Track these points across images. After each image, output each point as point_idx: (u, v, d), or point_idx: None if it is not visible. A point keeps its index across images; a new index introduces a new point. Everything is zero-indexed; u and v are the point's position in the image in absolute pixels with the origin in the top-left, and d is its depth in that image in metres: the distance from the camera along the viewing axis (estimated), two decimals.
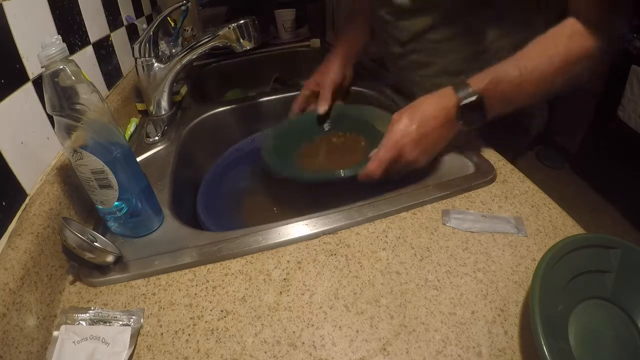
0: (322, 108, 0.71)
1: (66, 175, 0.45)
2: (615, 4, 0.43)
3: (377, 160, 0.48)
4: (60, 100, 0.35)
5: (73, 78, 0.35)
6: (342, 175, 0.50)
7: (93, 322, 0.35)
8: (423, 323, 0.33)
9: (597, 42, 0.43)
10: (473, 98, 0.47)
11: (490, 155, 0.54)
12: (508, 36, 0.48)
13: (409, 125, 0.48)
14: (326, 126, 0.72)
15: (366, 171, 0.48)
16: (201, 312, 0.36)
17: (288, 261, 0.40)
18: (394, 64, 0.74)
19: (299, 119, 0.72)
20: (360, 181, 0.49)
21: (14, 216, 0.38)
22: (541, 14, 0.49)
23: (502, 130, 0.57)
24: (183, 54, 0.65)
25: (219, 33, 0.62)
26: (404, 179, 0.51)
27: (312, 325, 0.34)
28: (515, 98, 0.48)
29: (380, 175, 0.48)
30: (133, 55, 0.64)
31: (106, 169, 0.38)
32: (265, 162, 0.59)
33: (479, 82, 0.47)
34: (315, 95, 0.73)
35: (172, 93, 0.71)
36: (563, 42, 0.45)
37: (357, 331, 0.33)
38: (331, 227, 0.43)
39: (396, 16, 0.62)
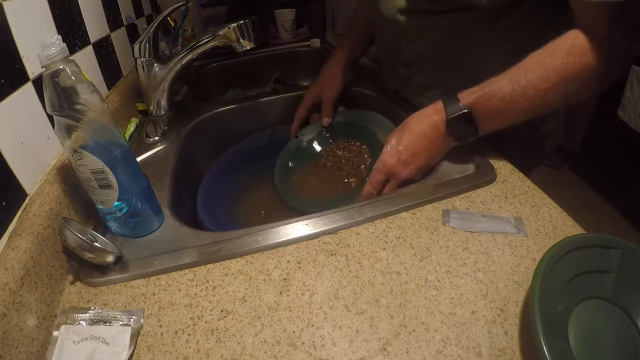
0: (326, 121, 0.73)
1: (66, 175, 0.45)
2: (626, 24, 0.39)
3: (369, 183, 0.52)
4: (60, 100, 0.35)
5: (73, 78, 0.35)
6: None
7: (93, 322, 0.35)
8: (423, 323, 0.33)
9: (599, 59, 0.40)
10: (461, 112, 0.47)
11: (490, 155, 0.54)
12: (515, 56, 0.46)
13: (396, 146, 0.50)
14: (331, 136, 0.74)
15: (363, 194, 0.53)
16: (201, 312, 0.36)
17: (288, 261, 0.40)
18: (400, 86, 0.73)
19: (305, 133, 0.74)
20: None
21: (14, 216, 0.38)
22: (548, 35, 0.45)
23: (518, 147, 0.57)
24: (183, 54, 0.65)
25: (219, 33, 0.62)
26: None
27: (312, 325, 0.34)
28: (508, 114, 0.46)
29: (377, 195, 0.51)
30: (133, 55, 0.64)
31: (106, 169, 0.38)
32: (279, 192, 0.65)
33: (468, 96, 0.47)
34: (316, 105, 0.74)
35: (172, 93, 0.71)
36: (560, 56, 0.42)
37: (357, 331, 0.33)
38: (331, 227, 0.43)
39: (400, 36, 0.61)
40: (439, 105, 0.49)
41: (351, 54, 0.75)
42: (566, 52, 0.42)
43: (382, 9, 0.60)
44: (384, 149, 0.51)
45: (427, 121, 0.49)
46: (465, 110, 0.46)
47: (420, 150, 0.50)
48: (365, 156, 0.67)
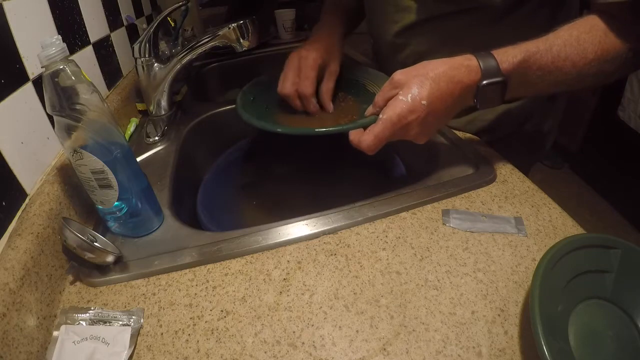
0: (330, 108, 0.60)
1: (66, 175, 0.45)
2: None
3: (373, 137, 0.41)
4: (60, 100, 0.35)
5: (73, 78, 0.35)
6: (330, 130, 0.46)
7: (93, 322, 0.35)
8: (423, 323, 0.33)
9: (631, 43, 0.40)
10: (497, 79, 0.41)
11: (490, 155, 0.54)
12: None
13: (419, 99, 0.40)
14: None
15: (360, 145, 0.42)
16: (201, 312, 0.36)
17: (288, 261, 0.40)
18: None
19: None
20: (352, 144, 0.44)
21: (14, 216, 0.38)
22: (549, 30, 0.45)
23: (518, 145, 0.57)
24: (183, 54, 0.64)
25: (219, 33, 0.62)
26: (404, 178, 0.50)
27: (312, 325, 0.34)
28: (539, 85, 0.43)
29: (374, 153, 0.43)
30: (133, 55, 0.64)
31: (106, 169, 0.38)
32: (240, 114, 0.54)
33: (507, 59, 0.41)
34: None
35: (172, 93, 0.71)
36: (598, 35, 0.40)
37: (357, 331, 0.33)
38: (331, 227, 0.43)
39: (402, 37, 0.60)
40: (472, 62, 0.42)
41: (344, 26, 0.67)
42: (603, 31, 0.41)
43: (384, 9, 0.60)
44: (399, 97, 0.41)
45: (458, 78, 0.41)
46: (503, 79, 0.41)
47: (443, 112, 0.42)
48: (351, 103, 0.60)
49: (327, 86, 0.59)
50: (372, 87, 0.60)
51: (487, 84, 0.41)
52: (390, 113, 0.41)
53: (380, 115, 0.41)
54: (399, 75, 0.42)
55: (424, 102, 0.40)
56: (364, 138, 0.42)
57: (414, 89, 0.40)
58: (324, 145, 0.68)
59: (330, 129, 0.47)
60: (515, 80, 0.42)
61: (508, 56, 0.41)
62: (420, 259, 0.39)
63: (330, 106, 0.59)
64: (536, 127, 0.65)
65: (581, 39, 0.41)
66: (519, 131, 0.63)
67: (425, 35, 0.57)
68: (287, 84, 0.57)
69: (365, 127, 0.43)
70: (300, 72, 0.57)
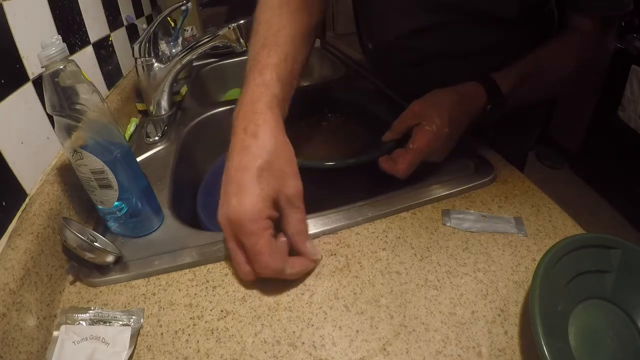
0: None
1: (66, 175, 0.45)
2: (609, 24, 0.51)
3: (407, 164, 0.45)
4: (60, 100, 0.35)
5: (73, 78, 0.35)
6: (360, 160, 0.48)
7: (93, 322, 0.35)
8: (423, 323, 0.33)
9: (597, 52, 0.52)
10: (500, 101, 0.48)
11: (490, 155, 0.54)
12: (521, 54, 0.51)
13: (442, 127, 0.45)
14: (312, 109, 0.65)
15: (395, 172, 0.45)
16: (201, 312, 0.36)
17: None
18: (401, 87, 0.71)
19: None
20: (383, 169, 0.47)
21: (14, 216, 0.38)
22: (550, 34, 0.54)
23: (503, 131, 0.58)
24: (183, 54, 0.65)
25: (219, 33, 0.62)
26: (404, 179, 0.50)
27: (312, 325, 0.34)
28: (529, 97, 0.53)
29: (406, 177, 0.46)
30: (133, 55, 0.64)
31: (106, 169, 0.38)
32: None
33: (507, 84, 0.48)
34: None
35: (172, 93, 0.71)
36: (575, 50, 0.51)
37: (357, 331, 0.33)
38: (331, 227, 0.43)
39: (408, 40, 0.59)
40: (479, 90, 0.48)
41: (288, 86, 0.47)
42: (584, 48, 0.51)
43: (387, 12, 0.59)
44: (426, 127, 0.45)
45: (471, 104, 0.48)
46: (504, 100, 0.48)
47: (458, 134, 0.48)
48: (357, 126, 0.60)
49: (295, 226, 0.36)
50: (375, 109, 0.61)
51: (491, 107, 0.48)
52: (420, 143, 0.45)
53: (410, 145, 0.46)
54: (418, 106, 0.48)
55: (446, 129, 0.45)
56: (399, 167, 0.45)
57: (437, 119, 0.45)
58: None
59: (362, 158, 0.49)
60: (512, 98, 0.49)
61: (507, 80, 0.48)
62: (420, 259, 0.39)
63: (310, 251, 0.37)
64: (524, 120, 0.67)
65: (562, 55, 0.51)
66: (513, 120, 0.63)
67: (432, 38, 0.57)
68: (241, 268, 0.36)
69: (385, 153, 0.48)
70: (246, 247, 0.34)
